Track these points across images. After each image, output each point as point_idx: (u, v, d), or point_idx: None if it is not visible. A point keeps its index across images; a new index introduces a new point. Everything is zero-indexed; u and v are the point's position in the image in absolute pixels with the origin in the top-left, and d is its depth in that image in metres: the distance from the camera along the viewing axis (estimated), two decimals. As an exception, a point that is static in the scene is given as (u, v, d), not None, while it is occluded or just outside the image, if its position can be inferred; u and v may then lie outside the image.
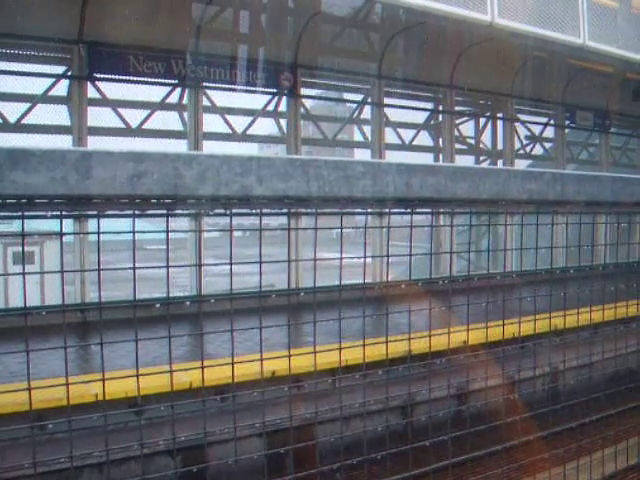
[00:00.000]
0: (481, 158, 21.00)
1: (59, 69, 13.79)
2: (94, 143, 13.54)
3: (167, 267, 2.25)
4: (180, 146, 14.64)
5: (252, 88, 15.10)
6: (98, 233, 2.08)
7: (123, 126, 14.22)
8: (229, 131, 15.59)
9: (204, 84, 14.53)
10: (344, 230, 2.70)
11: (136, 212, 2.01)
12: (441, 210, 2.78)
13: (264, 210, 2.17)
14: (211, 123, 15.33)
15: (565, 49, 14.89)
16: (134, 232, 2.05)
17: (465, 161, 20.74)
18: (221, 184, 1.94)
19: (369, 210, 2.48)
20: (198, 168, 1.91)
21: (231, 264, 2.68)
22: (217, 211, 2.09)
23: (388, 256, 2.94)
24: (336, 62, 15.93)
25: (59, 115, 13.74)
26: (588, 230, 3.57)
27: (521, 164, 20.85)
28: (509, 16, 12.81)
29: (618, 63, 16.57)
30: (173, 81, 14.28)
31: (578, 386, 6.73)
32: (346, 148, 23.16)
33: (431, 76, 17.88)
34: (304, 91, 16.29)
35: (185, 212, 2.11)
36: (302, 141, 16.29)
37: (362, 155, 19.41)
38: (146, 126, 14.49)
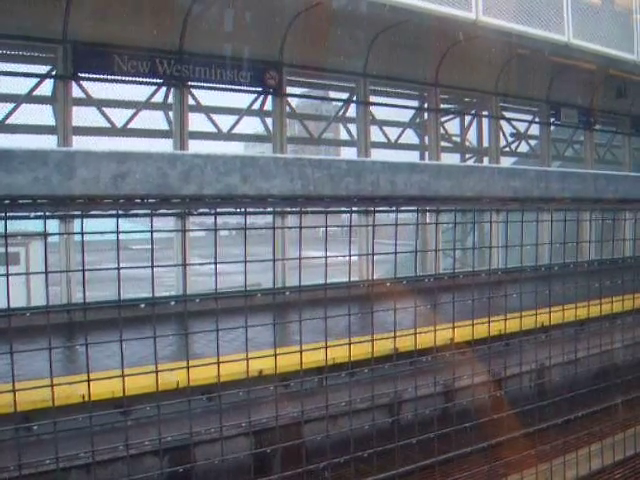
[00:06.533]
0: (467, 156, 21.05)
1: (44, 69, 13.72)
2: (79, 143, 13.49)
3: (152, 267, 2.24)
4: (166, 145, 14.59)
5: (237, 87, 15.09)
6: (82, 233, 2.07)
7: (108, 126, 14.16)
8: (215, 130, 15.56)
9: (189, 83, 14.48)
10: (331, 229, 2.70)
11: (120, 212, 2.00)
12: (427, 208, 2.78)
13: (249, 209, 2.17)
14: (197, 122, 15.32)
15: (550, 47, 14.96)
16: (118, 232, 2.05)
17: (451, 159, 20.77)
18: (205, 183, 1.94)
19: (353, 208, 2.48)
20: (182, 168, 1.91)
21: (216, 263, 2.68)
22: (201, 210, 2.08)
23: (373, 254, 2.94)
24: (321, 60, 15.91)
25: (44, 115, 13.69)
26: (573, 227, 3.59)
27: (506, 161, 20.93)
28: (494, 14, 12.86)
29: (602, 61, 16.66)
30: (158, 80, 14.23)
31: (564, 383, 6.76)
32: (332, 146, 23.21)
33: (416, 74, 17.90)
34: (289, 90, 16.27)
35: (170, 212, 2.11)
36: (288, 140, 16.29)
37: (348, 153, 19.42)
38: (131, 125, 14.44)
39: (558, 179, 3.04)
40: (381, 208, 2.52)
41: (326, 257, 2.79)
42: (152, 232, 2.11)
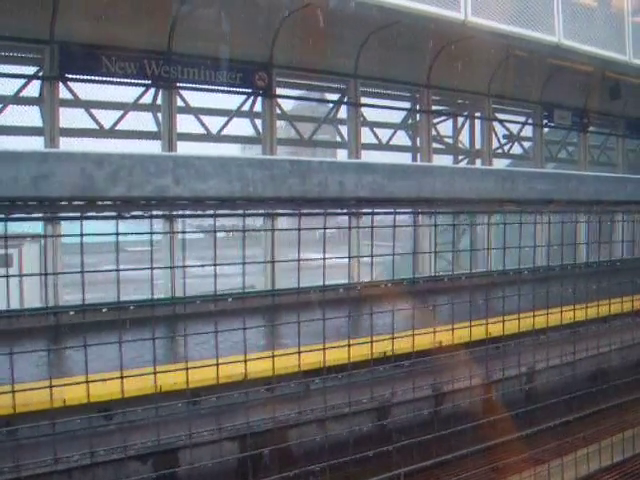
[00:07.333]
0: (460, 157, 20.97)
1: (30, 69, 13.62)
2: (66, 144, 13.39)
3: (82, 272, 2.14)
4: (154, 147, 14.49)
5: (226, 88, 14.98)
6: (5, 237, 1.98)
7: (96, 127, 14.05)
8: (204, 132, 15.46)
9: (178, 84, 14.38)
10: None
11: (47, 215, 1.90)
12: (382, 210, 2.68)
13: (186, 213, 2.07)
14: (188, 124, 15.21)
15: (541, 48, 14.88)
16: (47, 236, 1.95)
17: (443, 160, 20.69)
18: (134, 185, 1.84)
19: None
20: (109, 169, 1.81)
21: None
22: (135, 213, 1.98)
23: (324, 259, 2.84)
24: (312, 61, 15.82)
25: (31, 116, 13.59)
26: (547, 229, 3.50)
27: (500, 163, 20.84)
28: (483, 14, 12.77)
29: (594, 62, 16.59)
30: (146, 81, 14.13)
31: (555, 386, 6.67)
32: (326, 148, 23.11)
33: (408, 75, 17.82)
34: (280, 91, 16.16)
35: (100, 215, 2.01)
36: (278, 141, 16.19)
37: (342, 155, 19.34)
38: (119, 127, 14.32)
39: (526, 179, 2.94)
40: (331, 210, 2.42)
41: (273, 262, 2.70)
42: (82, 236, 2.01)
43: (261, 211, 2.26)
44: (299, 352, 3.01)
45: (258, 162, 2.02)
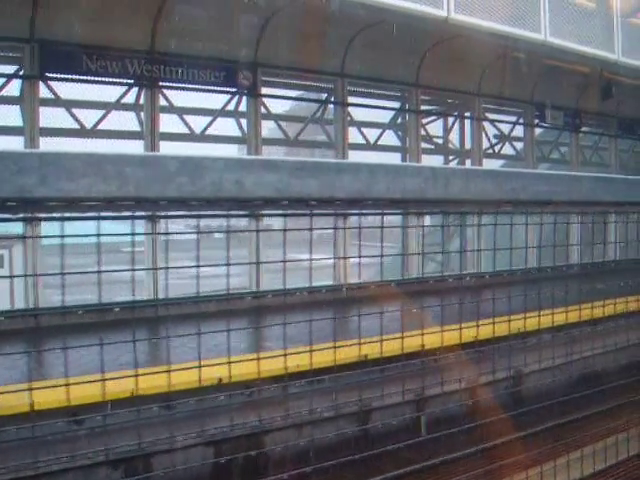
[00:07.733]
0: (450, 157, 20.82)
1: (10, 68, 13.47)
2: (47, 144, 13.24)
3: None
4: (137, 147, 14.34)
5: (210, 87, 14.84)
6: None
7: (77, 127, 13.89)
8: (188, 131, 15.30)
9: (160, 83, 14.22)
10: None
11: None
12: (299, 211, 2.51)
13: (66, 215, 1.91)
14: (174, 124, 15.07)
15: (526, 45, 14.73)
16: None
17: (433, 161, 20.54)
18: (-9, 185, 1.68)
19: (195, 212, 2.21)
20: (-42, 166, 1.65)
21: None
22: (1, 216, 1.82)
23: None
24: (297, 60, 15.67)
25: (11, 116, 13.44)
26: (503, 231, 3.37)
27: (491, 164, 20.68)
28: (466, 12, 12.61)
29: (584, 60, 16.44)
30: (128, 80, 13.97)
31: (542, 390, 6.58)
32: (325, 149, 23.00)
33: (396, 74, 17.66)
34: (265, 91, 16.00)
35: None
36: (264, 141, 16.07)
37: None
38: (102, 127, 14.16)
39: (461, 178, 2.77)
40: (235, 212, 2.27)
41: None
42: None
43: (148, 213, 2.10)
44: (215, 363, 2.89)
45: (139, 159, 1.86)
